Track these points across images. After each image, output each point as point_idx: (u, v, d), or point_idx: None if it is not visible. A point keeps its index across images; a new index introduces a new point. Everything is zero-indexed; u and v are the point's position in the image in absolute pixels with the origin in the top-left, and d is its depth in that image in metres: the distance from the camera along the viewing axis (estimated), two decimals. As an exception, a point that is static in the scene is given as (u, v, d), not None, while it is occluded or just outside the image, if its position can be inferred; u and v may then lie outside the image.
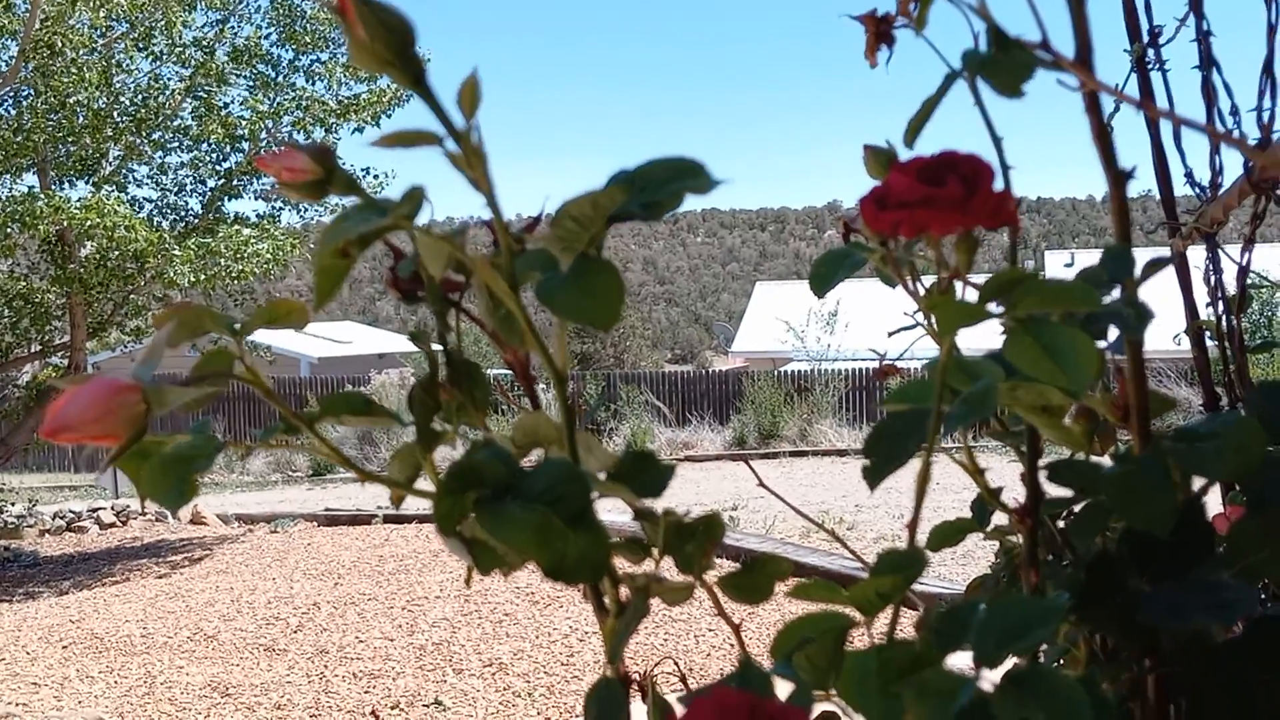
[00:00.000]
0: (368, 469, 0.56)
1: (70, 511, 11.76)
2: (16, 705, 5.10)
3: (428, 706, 4.90)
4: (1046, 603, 0.45)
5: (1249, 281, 1.61)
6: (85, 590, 8.30)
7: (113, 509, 11.87)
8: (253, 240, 10.05)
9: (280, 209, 11.15)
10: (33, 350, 10.97)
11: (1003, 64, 0.54)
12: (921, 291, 0.67)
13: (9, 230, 9.26)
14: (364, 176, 11.38)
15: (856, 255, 0.72)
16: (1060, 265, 31.10)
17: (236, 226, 10.21)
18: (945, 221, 0.49)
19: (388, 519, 10.36)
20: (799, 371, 17.87)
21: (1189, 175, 1.73)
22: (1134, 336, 0.55)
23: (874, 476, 0.62)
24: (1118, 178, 0.61)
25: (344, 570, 8.10)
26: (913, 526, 0.55)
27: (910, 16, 0.73)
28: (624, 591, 0.51)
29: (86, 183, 10.50)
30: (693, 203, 0.59)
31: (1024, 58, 0.54)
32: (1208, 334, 1.69)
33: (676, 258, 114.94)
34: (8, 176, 10.46)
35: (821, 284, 0.72)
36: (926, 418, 0.55)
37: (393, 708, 4.91)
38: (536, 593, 6.76)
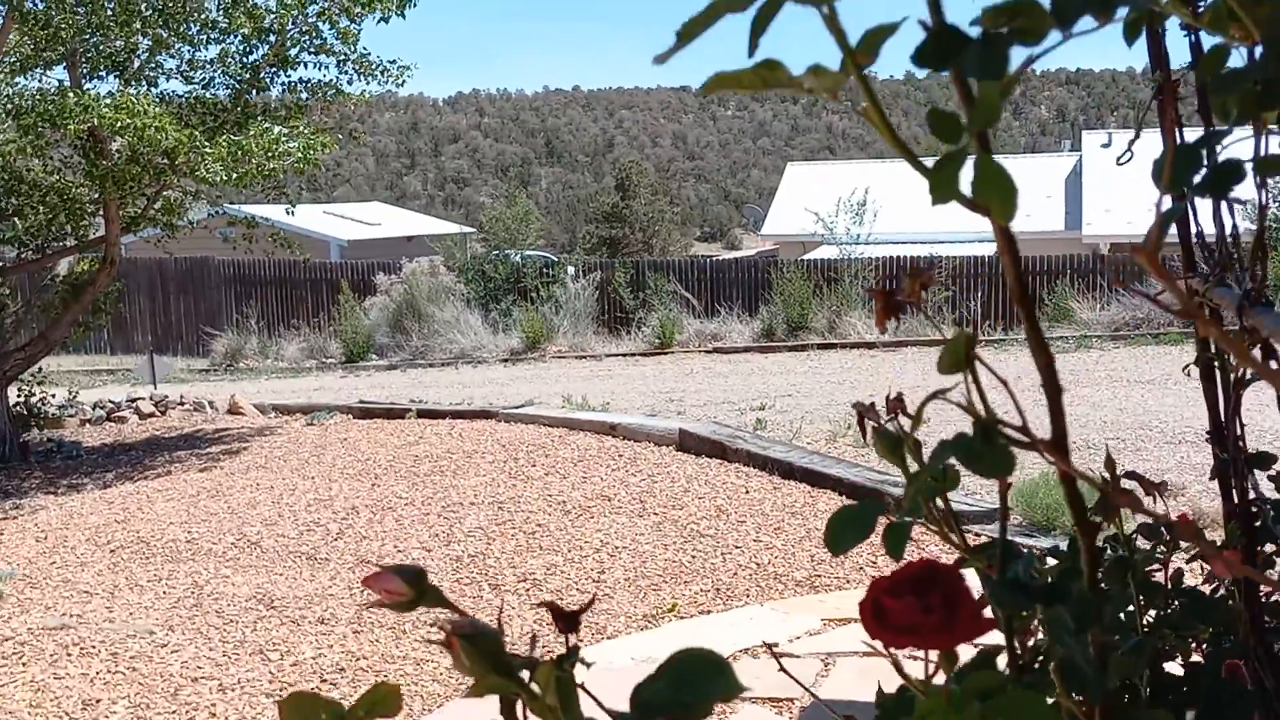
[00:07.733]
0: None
1: (110, 401, 12.09)
2: (71, 616, 5.35)
3: (463, 623, 5.11)
4: None
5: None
6: (128, 483, 8.58)
7: (150, 399, 12.17)
8: (283, 138, 10.09)
9: (305, 100, 11.12)
10: (68, 244, 11.12)
11: (986, 455, 0.61)
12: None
13: (40, 129, 9.35)
14: (390, 67, 11.29)
15: (868, 516, 0.79)
16: (1097, 146, 30.23)
17: (266, 125, 10.22)
18: (932, 644, 0.58)
19: (421, 413, 10.57)
20: (828, 260, 17.80)
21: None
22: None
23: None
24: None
25: (380, 470, 8.33)
26: None
27: (918, 299, 0.80)
28: None
29: (117, 78, 10.53)
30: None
31: (1004, 451, 0.61)
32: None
33: (706, 132, 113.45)
34: (39, 70, 10.52)
35: (837, 544, 0.80)
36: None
37: (431, 625, 5.13)
38: (568, 502, 6.96)
